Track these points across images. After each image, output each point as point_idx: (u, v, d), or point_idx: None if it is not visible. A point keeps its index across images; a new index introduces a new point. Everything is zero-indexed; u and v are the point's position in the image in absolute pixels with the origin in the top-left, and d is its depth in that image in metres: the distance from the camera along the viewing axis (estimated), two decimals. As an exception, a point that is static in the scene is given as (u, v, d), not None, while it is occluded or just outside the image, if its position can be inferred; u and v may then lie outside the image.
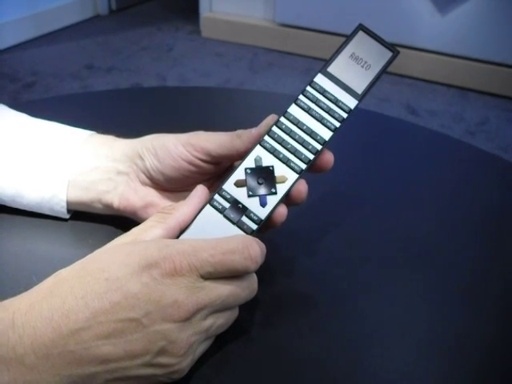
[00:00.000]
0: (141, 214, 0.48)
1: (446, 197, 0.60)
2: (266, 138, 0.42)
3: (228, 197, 0.40)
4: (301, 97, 0.43)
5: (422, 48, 2.61)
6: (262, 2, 2.98)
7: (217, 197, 0.40)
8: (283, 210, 0.41)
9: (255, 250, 0.37)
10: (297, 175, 0.41)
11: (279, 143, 0.42)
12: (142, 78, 2.63)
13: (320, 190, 0.58)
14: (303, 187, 0.42)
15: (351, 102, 0.43)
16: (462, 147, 0.72)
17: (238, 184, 0.41)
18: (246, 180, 0.41)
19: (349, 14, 2.72)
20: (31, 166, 0.50)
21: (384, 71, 0.43)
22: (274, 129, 0.42)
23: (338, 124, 0.42)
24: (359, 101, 0.43)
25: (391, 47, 0.44)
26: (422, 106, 2.43)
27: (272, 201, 0.41)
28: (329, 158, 0.43)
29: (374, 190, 0.61)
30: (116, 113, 0.74)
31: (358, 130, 0.73)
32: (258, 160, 0.41)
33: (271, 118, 0.44)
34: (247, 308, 0.40)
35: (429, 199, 0.60)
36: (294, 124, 0.42)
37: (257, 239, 0.38)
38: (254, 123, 0.45)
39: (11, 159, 0.50)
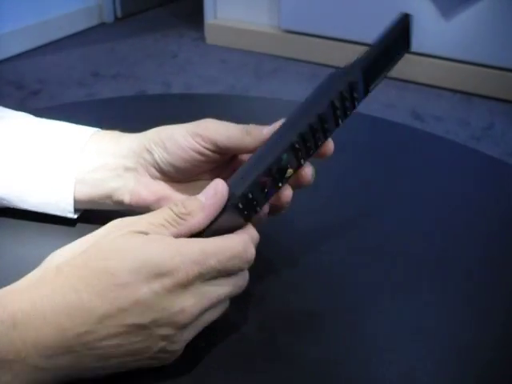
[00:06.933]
0: (154, 208, 0.47)
1: (452, 202, 0.60)
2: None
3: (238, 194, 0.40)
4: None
5: (427, 53, 2.60)
6: (267, 9, 2.99)
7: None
8: (288, 193, 0.42)
9: (252, 253, 0.38)
10: (302, 164, 0.42)
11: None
12: (147, 85, 2.64)
13: (325, 196, 0.58)
14: (309, 170, 0.43)
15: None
16: (467, 152, 0.72)
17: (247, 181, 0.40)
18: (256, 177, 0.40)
19: (353, 20, 2.72)
20: (38, 165, 0.50)
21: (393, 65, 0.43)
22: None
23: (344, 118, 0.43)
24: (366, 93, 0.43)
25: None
26: (427, 112, 2.42)
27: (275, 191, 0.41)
28: (331, 145, 0.44)
29: (378, 195, 0.61)
30: (121, 120, 0.74)
31: (363, 135, 0.73)
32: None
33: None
34: (256, 311, 0.40)
35: (434, 205, 0.60)
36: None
37: (253, 232, 0.39)
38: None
39: (17, 159, 0.50)
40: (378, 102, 2.44)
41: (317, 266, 0.50)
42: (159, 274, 0.34)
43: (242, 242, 0.38)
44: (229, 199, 0.39)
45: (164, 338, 0.35)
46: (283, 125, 0.42)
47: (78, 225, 0.53)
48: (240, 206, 0.39)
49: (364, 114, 0.72)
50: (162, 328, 0.35)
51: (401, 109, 2.45)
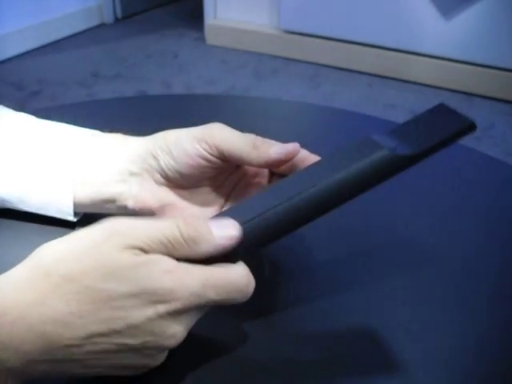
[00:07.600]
0: (158, 214, 0.47)
1: (452, 202, 0.60)
2: None
3: None
4: None
5: (427, 53, 2.61)
6: (267, 9, 3.00)
7: None
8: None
9: (253, 286, 0.36)
10: None
11: None
12: (148, 86, 2.64)
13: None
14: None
15: None
16: (467, 153, 0.72)
17: None
18: None
19: (353, 21, 2.73)
20: (38, 166, 0.50)
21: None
22: None
23: None
24: None
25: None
26: (427, 112, 2.42)
27: None
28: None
29: (377, 194, 0.61)
30: (122, 121, 0.74)
31: (363, 135, 0.73)
32: None
33: (293, 146, 0.43)
34: (260, 315, 0.39)
35: (433, 205, 0.60)
36: None
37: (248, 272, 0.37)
38: (259, 130, 0.45)
39: (18, 160, 0.50)
40: (377, 103, 2.44)
41: (318, 268, 0.50)
42: (156, 302, 0.33)
43: (245, 276, 0.36)
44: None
45: (150, 356, 0.35)
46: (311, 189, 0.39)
47: (78, 227, 0.52)
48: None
49: (364, 114, 0.72)
50: (150, 350, 0.35)
51: (400, 109, 2.45)
